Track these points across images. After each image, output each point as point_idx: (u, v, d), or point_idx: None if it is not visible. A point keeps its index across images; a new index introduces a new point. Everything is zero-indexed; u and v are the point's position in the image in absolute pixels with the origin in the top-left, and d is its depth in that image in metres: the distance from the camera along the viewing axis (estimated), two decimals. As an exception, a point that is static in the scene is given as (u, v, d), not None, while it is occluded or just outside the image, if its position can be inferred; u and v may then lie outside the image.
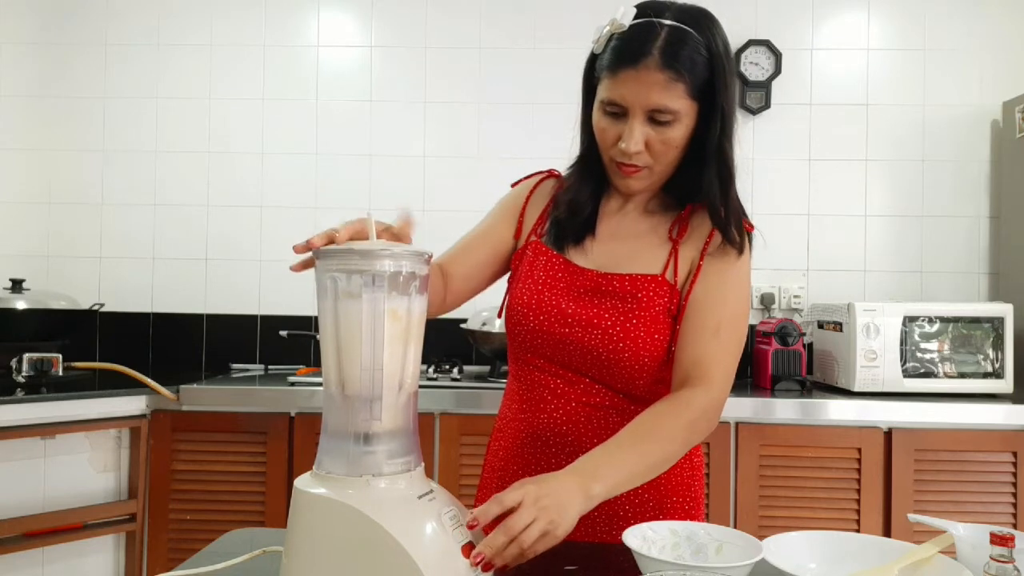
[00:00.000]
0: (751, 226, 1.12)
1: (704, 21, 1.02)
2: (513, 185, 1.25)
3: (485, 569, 0.80)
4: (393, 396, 0.82)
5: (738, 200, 1.10)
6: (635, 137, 1.00)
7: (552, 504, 0.83)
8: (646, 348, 1.05)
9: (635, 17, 1.02)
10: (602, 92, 1.03)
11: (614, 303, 1.06)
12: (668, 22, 0.99)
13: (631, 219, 1.14)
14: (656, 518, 1.08)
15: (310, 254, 0.85)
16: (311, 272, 0.88)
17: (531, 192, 1.21)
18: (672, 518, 1.09)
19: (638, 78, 0.98)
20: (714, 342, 1.06)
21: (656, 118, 1.00)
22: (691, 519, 1.12)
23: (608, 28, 1.03)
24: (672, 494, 1.11)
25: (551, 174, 1.23)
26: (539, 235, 1.15)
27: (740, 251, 1.07)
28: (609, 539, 1.08)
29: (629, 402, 1.08)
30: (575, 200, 1.13)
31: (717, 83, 1.01)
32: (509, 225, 1.19)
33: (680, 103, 0.99)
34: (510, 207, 1.20)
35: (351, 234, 0.86)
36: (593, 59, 1.08)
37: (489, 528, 0.83)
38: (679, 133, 1.02)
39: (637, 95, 0.99)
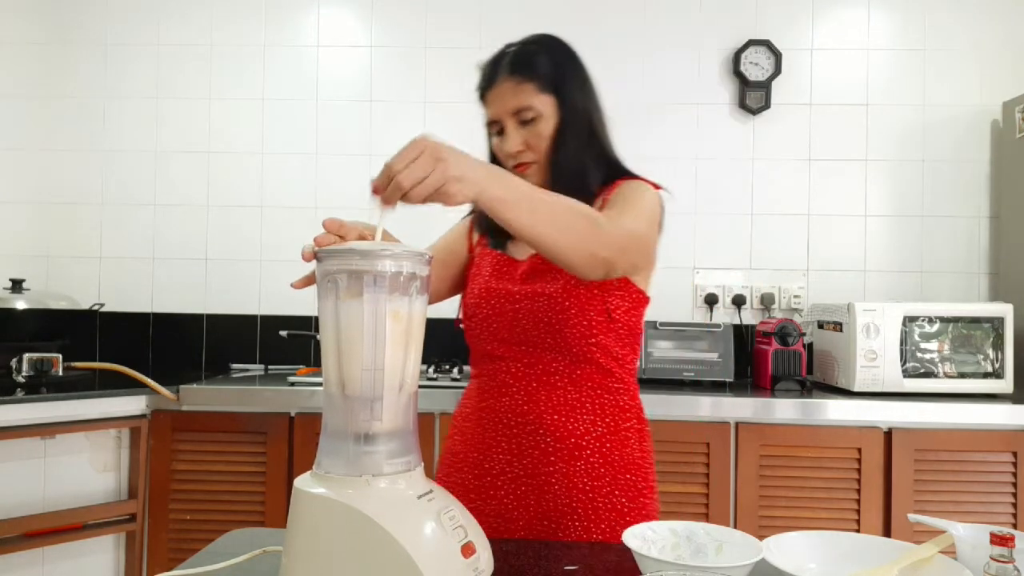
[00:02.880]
0: (657, 186, 1.24)
1: (543, 37, 1.22)
2: (463, 218, 1.39)
3: (386, 202, 0.83)
4: (394, 396, 0.82)
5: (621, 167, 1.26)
6: (512, 139, 1.18)
7: (442, 148, 0.84)
8: (591, 303, 1.15)
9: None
10: (484, 118, 1.22)
11: (553, 275, 1.17)
12: (511, 48, 1.20)
13: None
14: (612, 492, 1.15)
15: (312, 271, 0.86)
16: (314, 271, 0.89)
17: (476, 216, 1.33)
18: (625, 494, 1.16)
19: (496, 93, 1.18)
20: (619, 211, 1.14)
21: (523, 118, 1.17)
22: (642, 497, 1.18)
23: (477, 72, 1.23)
24: (625, 471, 1.17)
25: None
26: (484, 245, 1.30)
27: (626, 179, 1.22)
28: (567, 518, 1.14)
29: (589, 368, 1.16)
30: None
31: (563, 73, 1.19)
32: (462, 243, 1.34)
33: (535, 99, 1.16)
34: (461, 228, 1.37)
35: (357, 234, 0.88)
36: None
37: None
38: (547, 126, 1.18)
39: (500, 106, 1.18)
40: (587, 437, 1.15)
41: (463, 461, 1.20)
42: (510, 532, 1.15)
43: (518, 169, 1.19)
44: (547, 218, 0.96)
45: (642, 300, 1.21)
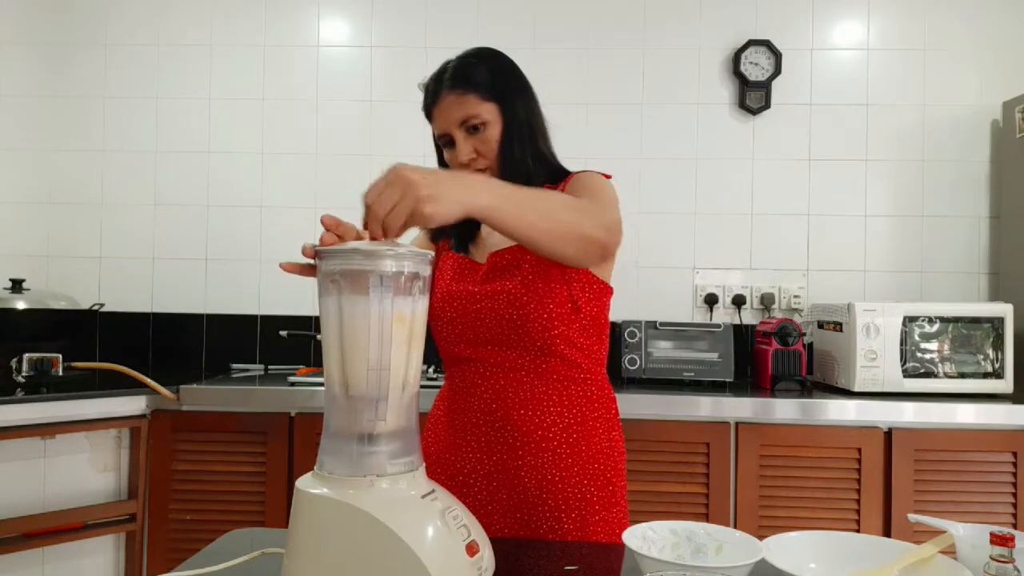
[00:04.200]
0: (607, 175, 1.26)
1: (481, 50, 1.27)
2: None
3: (372, 236, 0.82)
4: (397, 396, 0.82)
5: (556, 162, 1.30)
6: (463, 150, 1.21)
7: (414, 171, 0.83)
8: (548, 295, 1.17)
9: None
10: (434, 134, 1.25)
11: (512, 273, 1.20)
12: (451, 63, 1.24)
13: None
14: (580, 482, 1.17)
15: (307, 262, 0.85)
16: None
17: None
18: (595, 483, 1.18)
19: (442, 107, 1.22)
20: (589, 200, 1.15)
21: (470, 126, 1.21)
22: (611, 486, 1.20)
23: (421, 91, 1.27)
24: (593, 461, 1.19)
25: None
26: (448, 249, 1.33)
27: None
28: (538, 508, 1.16)
29: (554, 361, 1.18)
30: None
31: (503, 80, 1.23)
32: (429, 244, 1.36)
33: (479, 107, 1.20)
34: (428, 235, 1.38)
35: (355, 234, 0.87)
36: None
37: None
38: (493, 131, 1.22)
39: (447, 119, 1.21)
40: (554, 429, 1.17)
41: (436, 462, 1.23)
42: (486, 527, 1.15)
43: None
44: (536, 215, 0.98)
45: (606, 290, 1.24)
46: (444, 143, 1.25)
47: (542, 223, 0.98)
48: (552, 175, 1.27)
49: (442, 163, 1.30)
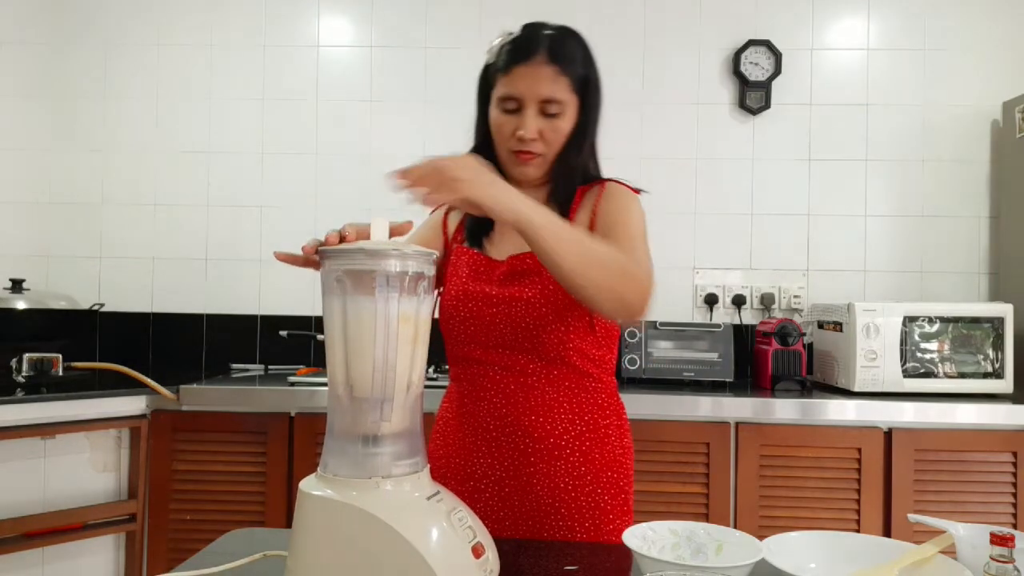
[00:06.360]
0: (637, 190, 1.24)
1: (576, 33, 1.20)
2: (433, 210, 1.36)
3: (423, 200, 0.88)
4: (402, 397, 0.81)
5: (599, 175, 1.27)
6: (530, 125, 1.14)
7: (480, 168, 0.92)
8: (567, 307, 1.14)
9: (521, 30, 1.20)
10: (499, 91, 1.17)
11: (531, 279, 1.16)
12: (548, 31, 1.17)
13: None
14: (594, 491, 1.16)
15: (301, 255, 0.86)
16: (311, 271, 0.88)
17: (449, 209, 1.32)
18: (608, 491, 1.17)
19: (530, 73, 1.13)
20: (630, 248, 1.13)
21: (546, 110, 1.15)
22: (623, 494, 1.19)
23: (500, 39, 1.19)
24: (607, 469, 1.18)
25: None
26: (460, 242, 1.28)
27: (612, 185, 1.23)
28: (551, 517, 1.15)
29: (566, 370, 1.16)
30: None
31: (591, 82, 1.19)
32: (437, 238, 1.31)
33: (566, 95, 1.15)
34: (434, 222, 1.33)
35: (358, 233, 0.87)
36: (486, 71, 1.23)
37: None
38: (566, 124, 1.17)
39: (530, 87, 1.13)
40: (566, 437, 1.16)
41: (447, 466, 1.21)
42: (496, 534, 1.15)
43: (521, 157, 1.18)
44: (586, 244, 1.00)
45: None
46: (507, 107, 1.16)
47: (582, 252, 0.98)
48: (586, 178, 1.24)
49: (482, 119, 1.23)
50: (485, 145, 1.23)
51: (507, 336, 1.16)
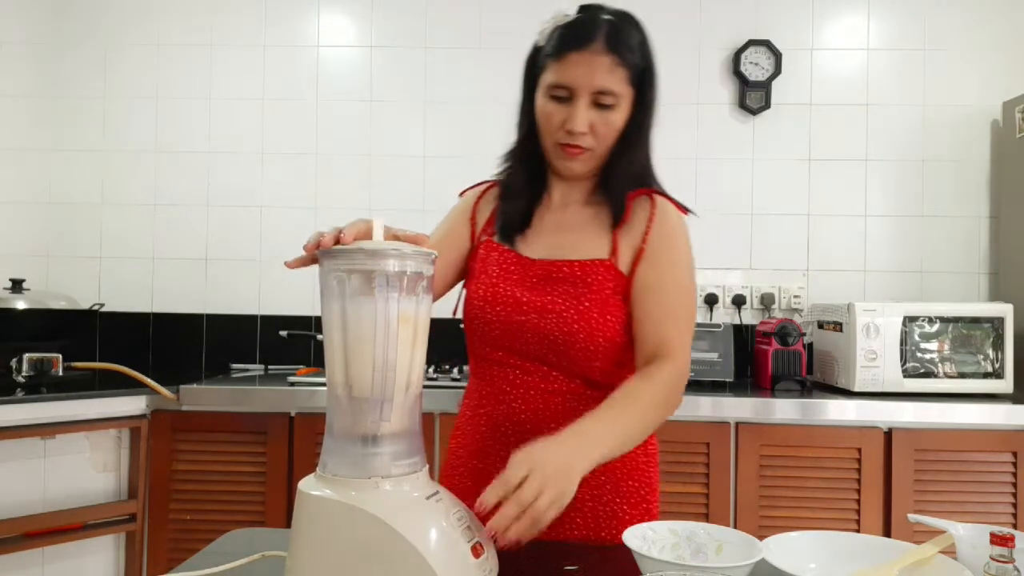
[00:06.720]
0: (685, 210, 1.20)
1: (635, 20, 1.12)
2: (461, 194, 1.31)
3: (502, 547, 0.82)
4: (401, 397, 0.81)
5: (656, 180, 1.20)
6: (581, 117, 1.07)
7: (556, 471, 0.86)
8: (600, 329, 1.09)
9: (577, 13, 1.11)
10: (549, 78, 1.09)
11: (565, 288, 1.11)
12: (607, 16, 1.09)
13: (573, 211, 1.19)
14: (613, 500, 1.13)
15: (308, 255, 0.85)
16: (311, 271, 0.88)
17: (479, 198, 1.27)
18: (628, 501, 1.13)
19: (584, 60, 1.05)
20: (671, 322, 1.12)
21: (600, 101, 1.07)
22: (645, 503, 1.16)
23: (553, 21, 1.11)
24: (628, 478, 1.15)
25: (496, 183, 1.28)
26: (489, 235, 1.21)
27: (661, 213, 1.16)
28: (567, 527, 1.12)
29: (587, 387, 1.12)
30: (511, 183, 1.20)
31: (649, 74, 1.11)
32: (464, 228, 1.24)
33: (622, 87, 1.08)
34: (462, 212, 1.26)
35: (356, 234, 0.85)
36: (535, 54, 1.15)
37: (490, 514, 0.83)
38: (620, 117, 1.09)
39: (584, 76, 1.06)
40: None
41: (464, 466, 1.18)
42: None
43: (568, 150, 1.11)
44: (644, 427, 1.03)
45: None
46: (557, 94, 1.08)
47: (643, 435, 1.04)
48: (637, 182, 1.16)
49: (528, 105, 1.15)
50: (531, 135, 1.16)
51: (532, 345, 1.11)
